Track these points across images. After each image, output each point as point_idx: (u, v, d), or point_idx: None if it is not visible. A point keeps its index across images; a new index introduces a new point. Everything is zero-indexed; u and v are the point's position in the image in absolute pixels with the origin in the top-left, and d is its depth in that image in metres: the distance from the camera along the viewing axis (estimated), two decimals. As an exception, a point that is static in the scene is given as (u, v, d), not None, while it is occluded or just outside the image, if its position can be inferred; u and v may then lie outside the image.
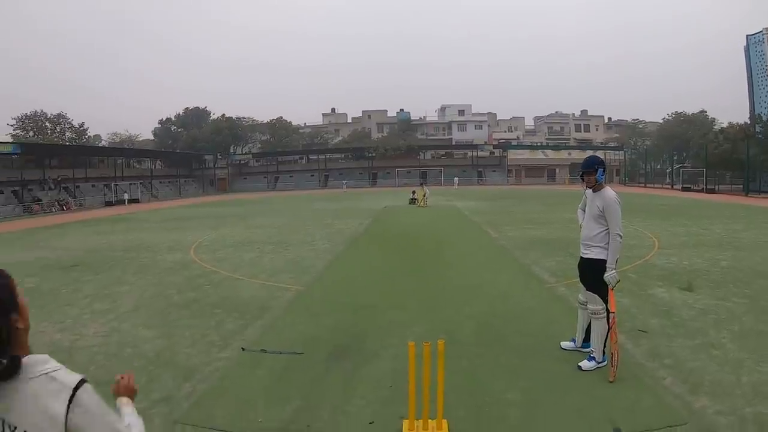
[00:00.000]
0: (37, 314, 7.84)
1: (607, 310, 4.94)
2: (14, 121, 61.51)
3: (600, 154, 67.43)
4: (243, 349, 5.98)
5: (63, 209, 40.62)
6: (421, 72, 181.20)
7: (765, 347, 5.47)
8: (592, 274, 5.08)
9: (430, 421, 4.02)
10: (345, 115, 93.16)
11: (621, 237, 4.87)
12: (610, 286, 4.89)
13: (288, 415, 4.37)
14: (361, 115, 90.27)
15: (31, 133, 61.30)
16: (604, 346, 4.99)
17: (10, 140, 52.60)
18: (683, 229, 16.08)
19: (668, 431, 3.89)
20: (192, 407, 4.56)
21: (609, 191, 5.01)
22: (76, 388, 1.36)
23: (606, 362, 4.99)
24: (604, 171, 5.11)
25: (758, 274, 9.12)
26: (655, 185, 50.56)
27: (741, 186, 36.73)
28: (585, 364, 5.10)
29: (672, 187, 46.08)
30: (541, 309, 7.43)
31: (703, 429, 3.89)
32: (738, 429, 3.85)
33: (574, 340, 5.59)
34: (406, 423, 4.08)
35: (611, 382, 4.74)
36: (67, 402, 1.33)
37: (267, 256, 12.80)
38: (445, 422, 4.04)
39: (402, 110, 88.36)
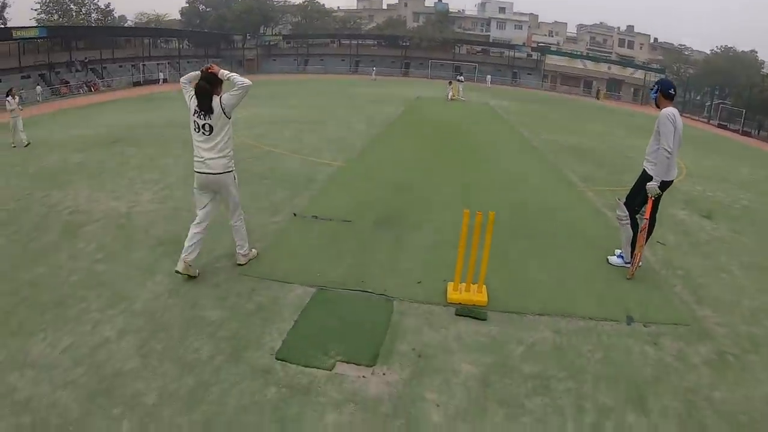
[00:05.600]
0: (90, 185, 8.08)
1: (642, 215, 5.35)
2: (38, 6, 60.21)
3: (640, 73, 64.22)
4: (294, 214, 6.39)
5: (91, 90, 40.59)
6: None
7: (767, 281, 5.74)
8: (637, 181, 5.44)
9: (472, 284, 4.35)
10: (380, 0, 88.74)
11: (668, 152, 5.03)
12: (649, 195, 5.18)
13: (342, 272, 4.89)
14: (397, 2, 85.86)
15: (56, 17, 60.01)
16: (632, 249, 5.40)
17: (35, 24, 51.75)
18: (711, 162, 15.71)
19: (672, 329, 4.34)
20: (254, 262, 5.08)
21: (665, 110, 5.16)
22: None
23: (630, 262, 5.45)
24: (657, 91, 5.31)
25: (776, 219, 9.06)
26: (692, 116, 48.06)
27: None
28: (613, 259, 5.66)
29: (708, 121, 43.91)
30: (571, 207, 7.87)
31: (702, 334, 4.31)
32: (732, 341, 4.25)
33: (621, 256, 5.82)
34: (450, 285, 4.44)
35: (629, 279, 5.24)
36: None
37: (305, 134, 13.03)
38: (485, 288, 4.42)
39: (440, 0, 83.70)
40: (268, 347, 3.62)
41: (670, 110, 5.10)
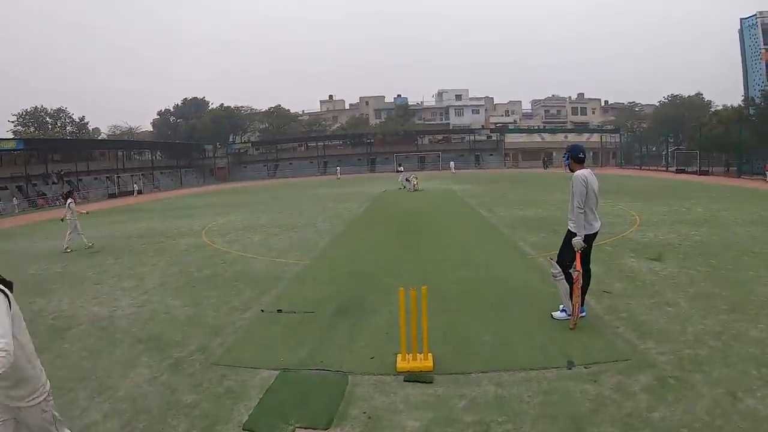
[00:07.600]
0: (72, 293, 8.71)
1: (574, 268, 5.82)
2: (15, 118, 62.36)
3: (596, 137, 67.78)
4: (262, 310, 6.99)
5: (68, 202, 41.33)
6: (419, 56, 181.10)
7: (713, 306, 6.28)
8: (564, 240, 6.02)
9: (418, 354, 5.00)
10: (342, 101, 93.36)
11: (580, 209, 5.70)
12: (576, 249, 5.75)
13: (304, 355, 5.37)
14: (358, 101, 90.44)
15: (32, 129, 62.04)
16: (571, 301, 5.88)
17: (12, 136, 53.40)
18: (667, 208, 16.60)
19: (613, 365, 4.76)
20: (224, 353, 5.57)
21: (577, 172, 5.87)
22: None
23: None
24: (569, 157, 6.05)
25: (726, 247, 9.74)
26: (651, 167, 50.84)
27: (736, 168, 36.69)
28: (557, 314, 6.10)
29: (667, 169, 46.39)
30: (520, 276, 8.45)
31: (643, 364, 4.74)
32: (674, 366, 4.67)
33: (564, 310, 6.27)
34: (399, 356, 5.06)
35: (571, 329, 5.70)
36: None
37: (274, 238, 13.76)
38: (430, 355, 5.01)
39: (399, 96, 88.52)
40: (236, 421, 4.03)
41: (581, 172, 5.78)
